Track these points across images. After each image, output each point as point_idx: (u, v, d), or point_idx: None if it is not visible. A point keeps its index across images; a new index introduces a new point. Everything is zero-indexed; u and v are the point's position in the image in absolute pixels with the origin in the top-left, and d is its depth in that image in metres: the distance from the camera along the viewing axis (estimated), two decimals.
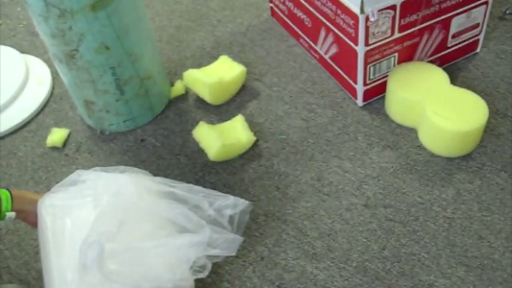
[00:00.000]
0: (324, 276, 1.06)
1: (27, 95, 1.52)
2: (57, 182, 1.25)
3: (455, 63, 1.41)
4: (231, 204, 1.00)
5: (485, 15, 1.34)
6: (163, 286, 0.92)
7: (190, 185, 1.02)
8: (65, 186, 1.02)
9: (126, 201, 0.96)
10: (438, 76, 1.27)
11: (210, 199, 1.00)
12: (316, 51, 1.45)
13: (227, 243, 0.96)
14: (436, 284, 1.03)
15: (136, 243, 0.94)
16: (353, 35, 1.21)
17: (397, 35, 1.23)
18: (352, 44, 1.23)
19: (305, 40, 1.48)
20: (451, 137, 1.18)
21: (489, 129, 1.24)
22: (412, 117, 1.25)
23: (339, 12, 1.23)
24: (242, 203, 1.00)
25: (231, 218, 0.99)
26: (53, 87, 1.54)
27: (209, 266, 0.96)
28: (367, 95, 1.33)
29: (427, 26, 1.26)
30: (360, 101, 1.34)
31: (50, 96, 1.52)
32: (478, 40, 1.40)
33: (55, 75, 1.55)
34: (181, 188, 1.00)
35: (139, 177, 1.02)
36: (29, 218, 1.01)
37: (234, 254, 0.97)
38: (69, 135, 1.40)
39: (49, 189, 1.28)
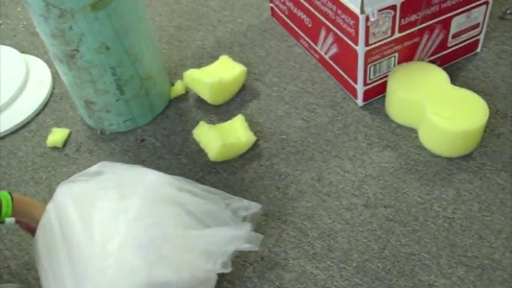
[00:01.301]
0: (324, 276, 1.06)
1: (28, 95, 1.52)
2: (58, 182, 1.25)
3: (455, 63, 1.41)
4: (244, 207, 1.08)
5: (485, 15, 1.34)
6: (198, 275, 0.97)
7: (208, 186, 1.07)
8: (86, 175, 1.04)
9: (161, 193, 1.01)
10: (438, 76, 1.27)
11: (226, 201, 1.08)
12: (316, 51, 1.45)
13: (251, 239, 1.03)
14: (436, 284, 1.03)
15: (184, 231, 0.99)
16: (353, 34, 1.21)
17: (397, 35, 1.23)
18: (352, 44, 1.23)
19: (305, 40, 1.48)
20: (451, 137, 1.18)
21: (489, 129, 1.24)
22: (412, 117, 1.25)
23: (339, 12, 1.23)
24: (254, 206, 1.08)
25: (244, 219, 1.07)
26: (53, 87, 1.54)
27: (230, 264, 1.00)
28: (367, 95, 1.33)
29: (427, 26, 1.26)
30: (360, 101, 1.34)
31: (50, 96, 1.52)
32: (478, 40, 1.40)
33: (55, 75, 1.55)
34: (201, 188, 1.06)
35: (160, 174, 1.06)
36: (31, 225, 1.01)
37: (257, 249, 1.02)
38: (69, 135, 1.40)
39: (50, 189, 1.28)
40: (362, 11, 1.14)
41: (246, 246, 1.02)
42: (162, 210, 0.99)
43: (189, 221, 1.01)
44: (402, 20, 1.21)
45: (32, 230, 1.02)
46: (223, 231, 1.01)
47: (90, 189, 1.01)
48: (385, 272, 1.05)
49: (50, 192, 1.25)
